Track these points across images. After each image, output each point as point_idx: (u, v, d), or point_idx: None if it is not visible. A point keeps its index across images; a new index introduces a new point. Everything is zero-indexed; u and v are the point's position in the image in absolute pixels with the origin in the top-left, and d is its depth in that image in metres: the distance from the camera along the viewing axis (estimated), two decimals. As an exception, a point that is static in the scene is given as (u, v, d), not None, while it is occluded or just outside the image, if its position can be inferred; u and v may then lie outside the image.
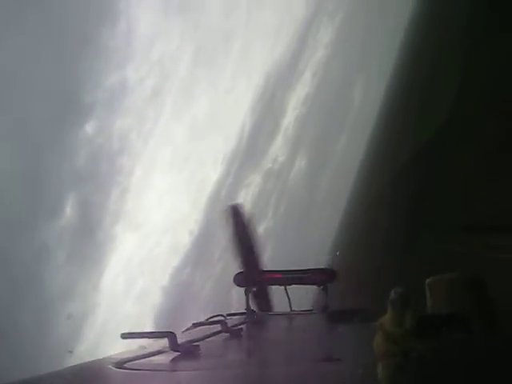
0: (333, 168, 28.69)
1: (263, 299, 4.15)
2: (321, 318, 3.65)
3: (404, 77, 21.04)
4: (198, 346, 2.35)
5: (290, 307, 4.01)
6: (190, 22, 24.21)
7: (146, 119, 22.14)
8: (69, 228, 18.02)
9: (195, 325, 3.30)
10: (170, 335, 2.24)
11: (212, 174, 24.88)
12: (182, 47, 24.00)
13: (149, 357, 2.23)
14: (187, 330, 3.23)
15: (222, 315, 3.38)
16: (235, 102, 26.85)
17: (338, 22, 30.55)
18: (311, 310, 4.13)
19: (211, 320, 3.29)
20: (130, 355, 2.22)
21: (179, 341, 2.27)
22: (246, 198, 25.28)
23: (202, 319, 3.40)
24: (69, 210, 18.14)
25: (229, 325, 2.94)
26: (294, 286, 3.96)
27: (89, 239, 18.65)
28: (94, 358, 2.39)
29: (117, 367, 2.06)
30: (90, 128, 19.07)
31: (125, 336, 2.33)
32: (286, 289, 3.99)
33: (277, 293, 4.06)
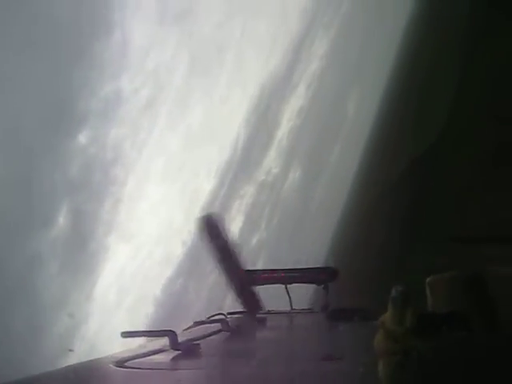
0: (327, 180, 28.73)
1: (250, 299, 4.12)
2: (321, 316, 3.64)
3: (399, 87, 21.21)
4: (198, 344, 2.35)
5: (291, 306, 4.00)
6: (185, 33, 24.29)
7: (140, 129, 22.11)
8: (61, 237, 17.91)
9: (197, 323, 3.29)
10: (171, 334, 2.24)
11: (206, 184, 24.82)
12: (176, 58, 24.06)
13: (149, 355, 2.23)
14: (188, 328, 3.22)
15: (222, 314, 3.36)
16: (230, 113, 26.89)
17: (332, 35, 30.76)
18: (312, 309, 4.13)
19: (212, 319, 3.29)
20: (131, 354, 2.22)
21: (180, 339, 2.27)
22: (239, 209, 25.23)
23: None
24: (62, 220, 18.03)
25: (229, 323, 2.94)
26: (293, 285, 3.96)
27: (82, 249, 18.54)
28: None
29: (117, 366, 2.06)
30: (83, 138, 19.01)
31: (125, 335, 2.33)
32: (286, 288, 3.98)
33: (277, 292, 4.05)
